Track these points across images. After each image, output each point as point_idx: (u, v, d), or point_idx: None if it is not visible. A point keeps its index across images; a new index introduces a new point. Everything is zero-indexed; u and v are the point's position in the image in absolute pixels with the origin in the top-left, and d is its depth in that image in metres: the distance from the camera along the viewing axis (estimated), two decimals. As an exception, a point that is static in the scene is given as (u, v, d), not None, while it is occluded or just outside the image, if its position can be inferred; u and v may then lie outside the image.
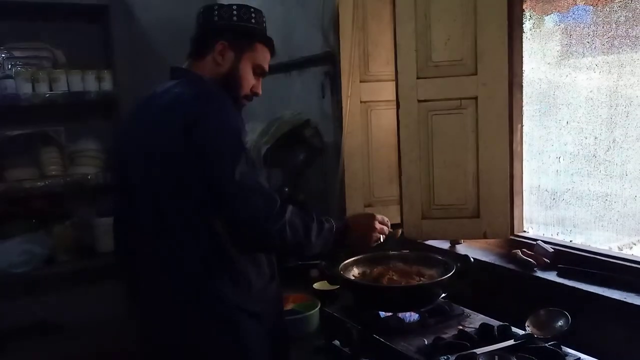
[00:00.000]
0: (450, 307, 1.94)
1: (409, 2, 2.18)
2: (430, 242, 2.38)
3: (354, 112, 2.54)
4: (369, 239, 1.79)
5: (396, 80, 2.24)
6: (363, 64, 2.53)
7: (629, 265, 1.78)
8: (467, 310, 1.94)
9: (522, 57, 2.16)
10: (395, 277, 1.93)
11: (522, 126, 2.19)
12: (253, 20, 1.75)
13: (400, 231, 1.99)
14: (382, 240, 1.82)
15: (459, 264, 1.89)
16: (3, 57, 3.06)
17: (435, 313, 1.90)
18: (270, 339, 1.70)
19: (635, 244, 1.93)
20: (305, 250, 1.62)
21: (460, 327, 1.81)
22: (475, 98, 2.15)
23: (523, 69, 2.17)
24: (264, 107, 3.23)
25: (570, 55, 2.07)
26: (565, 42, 2.09)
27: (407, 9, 2.18)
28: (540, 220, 2.22)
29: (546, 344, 1.61)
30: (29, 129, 3.08)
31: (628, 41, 1.87)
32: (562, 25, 2.10)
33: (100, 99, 3.14)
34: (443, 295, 1.93)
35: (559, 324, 1.68)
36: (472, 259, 1.95)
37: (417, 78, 2.21)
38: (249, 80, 1.76)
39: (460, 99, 2.17)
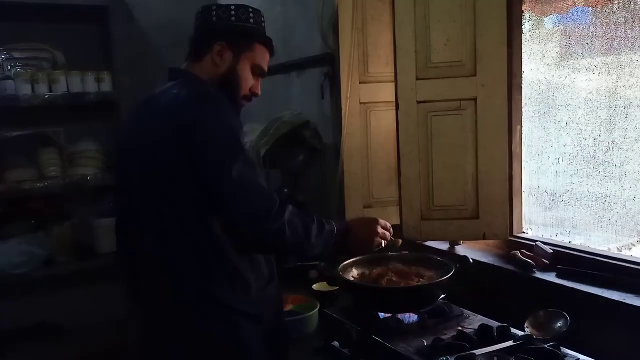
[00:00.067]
0: (450, 308, 1.94)
1: (409, 3, 2.18)
2: (429, 243, 2.38)
3: (354, 113, 2.54)
4: (371, 243, 1.77)
5: (396, 81, 2.24)
6: (362, 65, 2.53)
7: (628, 267, 1.78)
8: (466, 312, 1.94)
9: (521, 58, 2.16)
10: (394, 279, 1.93)
11: (521, 127, 2.19)
12: (252, 21, 1.74)
13: (400, 241, 1.97)
14: (383, 245, 1.81)
15: (458, 265, 1.89)
16: (3, 58, 3.06)
17: (434, 314, 1.90)
18: (269, 341, 1.69)
19: (634, 245, 1.93)
20: (305, 251, 1.61)
21: (460, 328, 1.81)
22: (475, 99, 2.15)
23: (522, 70, 2.17)
24: (263, 108, 3.23)
25: (570, 57, 2.07)
26: (565, 44, 2.09)
27: (407, 10, 2.18)
28: (540, 221, 2.22)
29: (545, 345, 1.61)
30: (28, 130, 3.09)
31: (627, 42, 1.87)
32: (562, 27, 2.10)
33: (100, 100, 3.14)
34: (442, 296, 1.92)
35: (558, 325, 1.68)
36: (471, 260, 1.95)
37: (417, 79, 2.21)
38: (248, 80, 1.76)
39: (460, 100, 2.17)
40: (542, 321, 1.72)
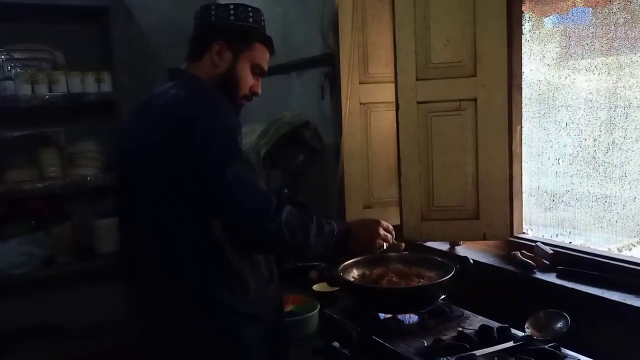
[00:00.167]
0: (450, 309, 1.94)
1: (409, 3, 2.18)
2: (429, 244, 2.39)
3: (354, 113, 2.54)
4: (372, 245, 1.75)
5: (395, 81, 2.24)
6: (362, 66, 2.53)
7: (629, 267, 1.78)
8: (466, 312, 1.94)
9: (521, 58, 2.16)
10: (394, 279, 1.93)
11: (521, 128, 2.19)
12: (251, 19, 1.73)
13: (403, 245, 1.97)
14: (385, 247, 1.79)
15: (458, 266, 1.89)
16: (3, 58, 3.06)
17: (434, 314, 1.90)
18: (269, 341, 1.69)
19: (634, 246, 1.94)
20: (304, 251, 1.59)
21: (460, 329, 1.81)
22: (475, 99, 2.15)
23: (522, 70, 2.17)
24: (263, 108, 3.23)
25: (570, 57, 2.07)
26: (565, 44, 2.09)
27: (407, 10, 2.18)
28: (540, 221, 2.22)
29: (545, 346, 1.61)
30: (28, 131, 3.09)
31: (627, 43, 1.87)
32: (561, 27, 2.10)
33: (100, 100, 3.14)
34: (442, 296, 1.92)
35: (559, 325, 1.68)
36: (471, 261, 1.95)
37: (417, 79, 2.21)
38: (247, 80, 1.75)
39: (460, 100, 2.17)
40: (542, 321, 1.72)
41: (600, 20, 1.94)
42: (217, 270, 1.59)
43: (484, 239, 2.21)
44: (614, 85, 1.91)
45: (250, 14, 1.74)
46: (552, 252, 2.00)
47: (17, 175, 3.02)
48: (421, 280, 1.93)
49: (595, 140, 1.98)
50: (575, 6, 2.02)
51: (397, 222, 2.26)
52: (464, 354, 1.57)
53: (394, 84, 2.26)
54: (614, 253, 1.92)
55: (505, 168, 2.15)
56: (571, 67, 2.07)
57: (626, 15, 1.86)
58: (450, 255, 2.25)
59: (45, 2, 2.99)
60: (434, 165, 2.22)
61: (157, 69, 2.02)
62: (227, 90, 1.70)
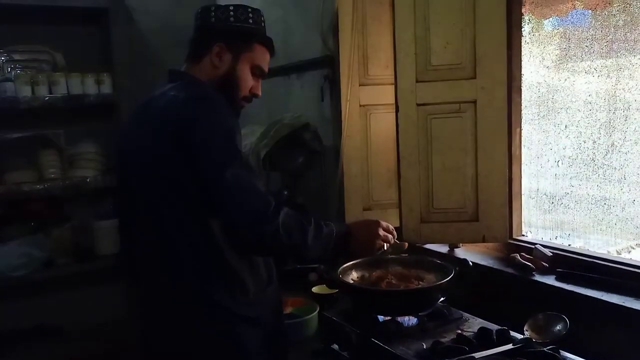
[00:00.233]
0: (449, 311, 1.93)
1: (409, 6, 2.18)
2: (429, 246, 2.39)
3: (353, 115, 2.54)
4: (372, 246, 1.74)
5: (395, 83, 2.24)
6: (362, 68, 2.53)
7: (628, 270, 1.78)
8: (465, 314, 1.94)
9: (521, 60, 2.16)
10: (394, 281, 1.93)
11: (520, 130, 2.19)
12: (251, 21, 1.73)
13: (407, 244, 1.96)
14: (385, 248, 1.78)
15: (457, 268, 1.89)
16: (2, 60, 3.06)
17: (434, 317, 1.89)
18: (268, 344, 1.69)
19: (633, 248, 1.94)
20: (302, 253, 1.58)
21: (459, 331, 1.80)
22: (474, 102, 2.15)
23: (522, 72, 2.17)
24: (263, 110, 3.24)
25: (569, 59, 2.07)
26: (564, 46, 2.09)
27: (407, 13, 2.18)
28: (539, 224, 2.22)
29: (544, 348, 1.61)
30: (28, 132, 3.09)
31: (626, 45, 1.87)
32: (561, 29, 2.11)
33: (100, 102, 3.13)
34: (442, 299, 1.93)
35: (558, 328, 1.68)
36: (470, 263, 1.95)
37: (416, 82, 2.21)
38: (247, 81, 1.75)
39: (459, 102, 2.17)
40: (541, 324, 1.72)
41: (599, 23, 1.94)
42: (216, 273, 1.59)
43: (483, 241, 2.21)
44: (613, 87, 1.92)
45: (250, 15, 1.73)
46: (551, 254, 2.00)
47: (16, 177, 3.02)
48: (420, 282, 1.93)
49: (594, 142, 1.98)
50: (574, 8, 2.02)
51: (397, 224, 2.25)
52: (463, 357, 1.57)
53: (393, 86, 2.26)
54: (613, 255, 1.92)
55: (505, 170, 2.15)
56: (571, 70, 2.07)
57: (626, 18, 1.86)
58: (450, 257, 2.25)
59: (46, 4, 2.98)
60: (434, 168, 2.22)
61: (157, 71, 2.02)
62: (227, 91, 1.70)
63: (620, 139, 1.91)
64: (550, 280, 1.91)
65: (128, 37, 3.23)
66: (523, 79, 2.18)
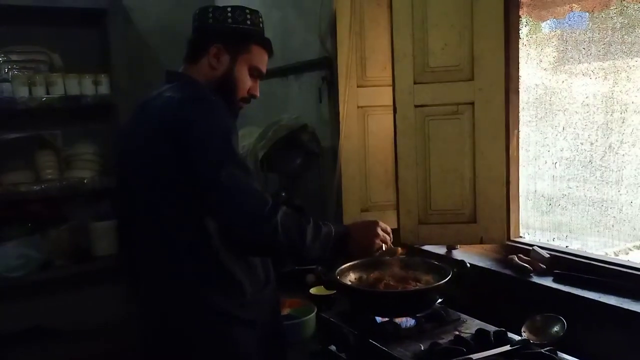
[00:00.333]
0: (447, 313, 1.94)
1: (406, 8, 2.18)
2: (426, 247, 2.39)
3: (351, 116, 2.54)
4: (371, 246, 1.72)
5: (393, 85, 2.25)
6: (360, 69, 2.53)
7: (625, 271, 1.78)
8: (463, 316, 1.94)
9: (518, 62, 2.17)
10: (391, 283, 1.93)
11: (518, 131, 2.19)
12: (249, 22, 1.73)
13: (400, 250, 1.95)
14: (384, 248, 1.76)
15: (455, 269, 1.89)
16: (0, 60, 3.05)
17: (431, 318, 1.90)
18: (266, 345, 1.69)
19: (631, 250, 1.94)
20: (300, 253, 1.57)
21: (457, 333, 1.81)
22: (472, 103, 2.15)
23: (519, 74, 2.18)
24: (261, 112, 3.24)
25: (567, 61, 2.08)
26: (562, 48, 2.10)
27: (405, 15, 2.19)
28: (537, 225, 2.23)
29: (542, 350, 1.61)
30: (25, 133, 3.08)
31: (624, 47, 1.88)
32: (559, 32, 2.11)
33: (97, 102, 3.13)
34: (439, 300, 1.93)
35: (555, 329, 1.68)
36: (468, 264, 1.95)
37: (414, 83, 2.21)
38: (245, 82, 1.75)
39: (457, 104, 2.17)
40: (538, 325, 1.72)
41: (597, 25, 1.94)
42: (213, 274, 1.59)
43: (481, 242, 2.22)
44: (610, 89, 1.92)
45: (248, 16, 1.73)
46: (548, 256, 2.01)
47: (13, 178, 3.02)
48: (418, 283, 1.93)
49: (592, 144, 1.99)
50: (572, 11, 2.03)
51: (395, 226, 2.26)
52: (460, 358, 1.57)
53: (391, 88, 2.27)
54: (611, 257, 1.92)
55: (503, 172, 2.15)
56: (568, 72, 2.08)
57: (623, 20, 1.87)
58: (447, 258, 2.26)
59: (43, 5, 2.98)
60: (432, 169, 2.23)
61: (155, 72, 2.02)
62: (224, 93, 1.70)
63: (617, 140, 1.91)
64: (547, 281, 1.91)
65: (126, 38, 3.23)
66: (520, 80, 2.18)
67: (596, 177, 1.98)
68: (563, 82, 2.08)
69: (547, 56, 2.14)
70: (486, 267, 2.12)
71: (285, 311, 2.15)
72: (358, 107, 2.55)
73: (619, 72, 1.89)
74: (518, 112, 2.19)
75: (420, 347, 1.72)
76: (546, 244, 2.13)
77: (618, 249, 1.95)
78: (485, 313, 1.93)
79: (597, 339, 1.70)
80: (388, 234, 1.77)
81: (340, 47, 2.50)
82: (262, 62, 1.78)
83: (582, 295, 1.77)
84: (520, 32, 2.16)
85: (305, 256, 1.59)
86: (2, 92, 2.92)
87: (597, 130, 1.97)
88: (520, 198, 2.23)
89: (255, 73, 1.77)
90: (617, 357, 1.68)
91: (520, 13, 2.15)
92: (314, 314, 2.12)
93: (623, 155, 1.90)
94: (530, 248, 2.08)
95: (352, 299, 1.99)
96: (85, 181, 3.14)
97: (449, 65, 2.17)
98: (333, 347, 1.94)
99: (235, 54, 1.71)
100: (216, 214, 1.52)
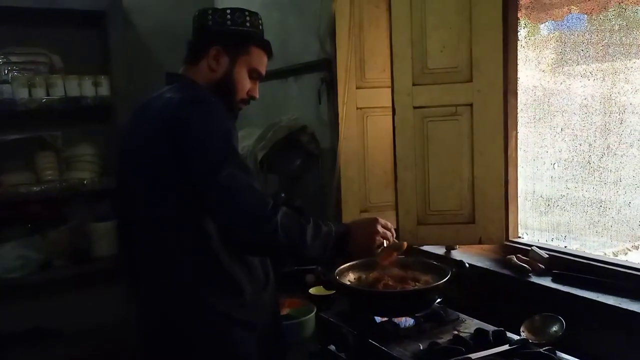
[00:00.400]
0: (446, 312, 1.94)
1: (405, 10, 2.19)
2: (425, 248, 2.39)
3: (350, 118, 2.55)
4: (372, 243, 1.70)
5: (392, 86, 2.25)
6: (359, 71, 2.54)
7: (624, 271, 1.79)
8: (462, 316, 1.95)
9: (517, 64, 2.17)
10: (390, 283, 1.93)
11: (517, 133, 2.20)
12: (248, 24, 1.73)
13: (405, 244, 1.94)
14: (385, 245, 1.75)
15: (454, 270, 1.89)
16: (0, 62, 3.06)
17: (430, 318, 1.90)
18: (265, 346, 1.69)
19: (629, 250, 1.94)
20: (301, 253, 1.56)
21: (456, 332, 1.81)
22: (471, 105, 2.16)
23: (518, 76, 2.18)
24: (260, 113, 3.25)
25: (565, 63, 2.09)
26: (560, 50, 2.10)
27: (403, 17, 2.19)
28: (535, 226, 2.23)
29: (541, 349, 1.61)
30: (25, 134, 3.08)
31: (622, 49, 1.88)
32: (557, 33, 2.12)
33: (97, 104, 3.13)
34: (438, 300, 1.93)
35: (554, 329, 1.69)
36: (467, 265, 1.96)
37: (413, 85, 2.22)
38: (244, 84, 1.75)
39: (456, 105, 2.18)
40: (537, 325, 1.73)
41: (595, 27, 1.95)
42: (212, 276, 1.59)
43: (480, 243, 2.22)
44: (609, 91, 1.93)
45: (248, 18, 1.73)
46: (547, 256, 2.01)
47: (13, 179, 3.02)
48: (417, 283, 1.94)
49: (590, 145, 1.99)
50: (570, 13, 2.04)
51: (394, 226, 2.27)
52: (459, 357, 1.58)
53: (390, 89, 2.27)
54: (609, 257, 1.93)
55: (501, 173, 2.16)
56: (566, 73, 2.08)
57: (621, 22, 1.87)
58: (446, 259, 2.26)
59: (43, 6, 2.99)
60: (430, 170, 2.23)
61: (155, 73, 2.02)
62: (224, 94, 1.70)
63: (615, 141, 1.92)
64: (546, 281, 1.91)
65: (126, 39, 3.24)
66: (519, 82, 2.19)
67: (594, 178, 1.99)
68: (561, 83, 2.09)
69: (545, 58, 2.15)
70: (485, 267, 2.13)
71: (285, 311, 2.16)
72: (357, 108, 2.56)
73: (617, 73, 1.90)
74: (516, 114, 2.20)
75: (420, 346, 1.73)
76: (545, 244, 2.14)
77: (616, 249, 1.95)
78: (484, 313, 1.94)
79: (596, 339, 1.71)
80: (389, 229, 1.76)
81: (339, 49, 2.51)
82: (262, 64, 1.79)
83: (581, 295, 1.77)
84: (518, 34, 2.17)
85: (306, 256, 1.58)
86: (2, 93, 2.93)
87: (595, 131, 1.98)
88: (518, 199, 2.24)
89: (254, 75, 1.77)
90: (615, 356, 1.68)
91: (519, 15, 2.16)
92: (313, 314, 2.12)
93: (621, 156, 1.90)
94: (529, 248, 2.09)
95: (351, 299, 1.99)
96: (85, 182, 3.14)
97: (448, 67, 2.18)
98: (332, 347, 1.94)
99: (234, 55, 1.72)
100: (216, 215, 1.52)
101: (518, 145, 2.21)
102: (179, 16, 3.00)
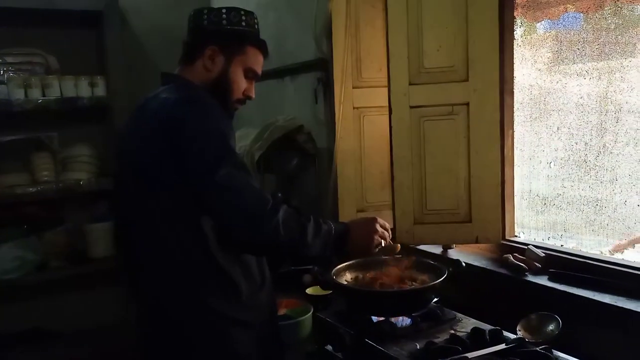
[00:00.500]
0: (442, 312, 1.94)
1: (401, 9, 2.19)
2: (422, 247, 2.39)
3: (347, 117, 2.55)
4: (370, 242, 1.71)
5: (388, 86, 2.25)
6: (356, 70, 2.54)
7: (620, 270, 1.79)
8: (459, 315, 1.95)
9: (513, 63, 2.18)
10: (387, 282, 1.93)
11: (513, 132, 2.20)
12: (243, 23, 1.73)
13: (399, 246, 1.94)
14: (383, 245, 1.76)
15: (451, 269, 1.90)
16: (-4, 63, 3.06)
17: (427, 317, 1.90)
18: (262, 346, 1.69)
19: (626, 248, 1.95)
20: (301, 251, 1.56)
21: (452, 332, 1.81)
22: (467, 104, 2.16)
23: (514, 75, 2.18)
24: (257, 113, 3.25)
25: (561, 62, 2.09)
26: (556, 49, 2.10)
27: (399, 16, 2.19)
28: (532, 225, 2.23)
29: (537, 348, 1.62)
30: (21, 135, 3.08)
31: (618, 48, 1.89)
32: (553, 32, 2.12)
33: (93, 104, 3.13)
34: (435, 299, 1.94)
35: (550, 328, 1.69)
36: (464, 264, 1.96)
37: (409, 84, 2.22)
38: (240, 84, 1.75)
39: (452, 104, 2.18)
40: (534, 324, 1.73)
41: (591, 26, 1.95)
42: (209, 276, 1.59)
43: (477, 242, 2.22)
44: (605, 89, 1.93)
45: (243, 17, 1.73)
46: (543, 255, 2.01)
47: (10, 180, 3.01)
48: (414, 283, 1.94)
49: (586, 144, 2.00)
50: (566, 12, 2.04)
51: (391, 226, 2.27)
52: (456, 357, 1.58)
53: (387, 89, 2.27)
54: (606, 256, 1.93)
55: (498, 172, 2.16)
56: (563, 72, 2.08)
57: (617, 21, 1.87)
58: (443, 258, 2.26)
59: (39, 7, 2.98)
60: (427, 169, 2.23)
61: (151, 74, 2.02)
62: (220, 94, 1.70)
63: (611, 140, 1.92)
64: (543, 280, 1.92)
65: (122, 40, 3.23)
66: (515, 81, 2.19)
67: (591, 177, 1.99)
68: (557, 82, 2.09)
69: (541, 57, 2.15)
70: (482, 266, 2.13)
71: (282, 311, 2.16)
72: (354, 108, 2.56)
73: (613, 72, 1.90)
74: (513, 113, 2.20)
75: (416, 346, 1.73)
76: (541, 243, 2.14)
77: (613, 248, 1.96)
78: (480, 312, 1.94)
79: (592, 337, 1.71)
80: (387, 230, 1.77)
81: (335, 49, 2.51)
82: (257, 63, 1.78)
83: (577, 293, 1.77)
84: (514, 33, 2.17)
85: (306, 254, 1.58)
86: (-3, 94, 2.92)
87: (591, 130, 1.98)
88: (515, 198, 2.24)
89: (250, 74, 1.77)
90: (612, 355, 1.68)
91: (515, 14, 2.16)
92: (310, 314, 2.12)
93: (617, 154, 1.91)
94: (526, 247, 2.09)
95: (348, 298, 2.00)
96: (82, 183, 3.13)
97: (444, 66, 2.18)
98: (329, 347, 1.95)
99: (230, 55, 1.71)
100: (216, 215, 1.51)
101: (514, 144, 2.21)
102: (176, 16, 2.99)
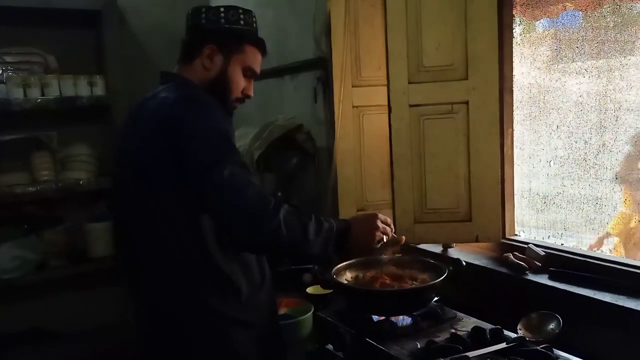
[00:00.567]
0: (443, 311, 1.94)
1: (400, 8, 2.19)
2: (422, 246, 2.39)
3: (346, 116, 2.54)
4: (372, 238, 1.69)
5: (388, 85, 2.25)
6: (355, 69, 2.54)
7: (620, 268, 1.79)
8: (459, 314, 1.95)
9: (512, 62, 2.18)
10: (388, 281, 1.93)
11: (512, 130, 2.20)
12: (242, 22, 1.72)
13: (404, 238, 1.92)
14: (385, 240, 1.73)
15: (451, 268, 1.89)
16: (-6, 62, 3.05)
17: (427, 316, 1.90)
18: (263, 346, 1.69)
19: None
20: (303, 250, 1.55)
21: (453, 331, 1.81)
22: (466, 102, 2.16)
23: (513, 73, 2.18)
24: (256, 112, 3.24)
25: (560, 60, 2.09)
26: (555, 47, 2.10)
27: (399, 15, 2.19)
28: (532, 223, 2.23)
29: (538, 347, 1.62)
30: (20, 134, 3.07)
31: (617, 46, 1.89)
32: (552, 31, 2.12)
33: (92, 103, 3.12)
34: (435, 298, 1.94)
35: (551, 326, 1.69)
36: (464, 263, 1.96)
37: (409, 83, 2.22)
38: (239, 83, 1.74)
39: (452, 103, 2.18)
40: (534, 323, 1.73)
41: (590, 24, 1.95)
42: (208, 276, 1.58)
43: (477, 241, 2.22)
44: (604, 88, 1.93)
45: (241, 16, 1.72)
46: (544, 253, 2.01)
47: (9, 179, 3.01)
48: (414, 282, 1.94)
49: (586, 142, 2.00)
50: (565, 10, 2.04)
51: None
52: (457, 356, 1.58)
53: (386, 87, 2.27)
54: (606, 255, 1.93)
55: (497, 170, 2.16)
56: (562, 70, 2.09)
57: (616, 19, 1.87)
58: (443, 257, 2.26)
59: (38, 6, 2.97)
60: (427, 168, 2.23)
61: (150, 73, 2.01)
62: (218, 93, 1.70)
63: (611, 139, 1.92)
64: (543, 279, 1.92)
65: (121, 39, 3.22)
66: (514, 80, 2.19)
67: (590, 175, 1.99)
68: (557, 80, 2.09)
69: (540, 55, 2.15)
70: (482, 265, 2.13)
71: (282, 311, 2.16)
72: (353, 106, 2.55)
73: (612, 70, 1.90)
74: (512, 111, 2.20)
75: (417, 345, 1.73)
76: (541, 241, 2.14)
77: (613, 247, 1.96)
78: (481, 311, 1.94)
79: (593, 336, 1.71)
80: (388, 225, 1.75)
81: (335, 48, 2.51)
82: (256, 62, 1.78)
83: (578, 292, 1.77)
84: (514, 31, 2.17)
85: (308, 253, 1.57)
86: (-4, 93, 2.91)
87: (590, 128, 1.98)
88: (515, 196, 2.24)
89: (249, 73, 1.76)
90: (612, 353, 1.68)
91: (514, 12, 2.16)
92: (310, 313, 2.12)
93: (617, 153, 1.91)
94: (526, 246, 2.09)
95: (348, 298, 1.99)
96: (81, 182, 3.13)
97: (443, 64, 2.18)
98: (330, 346, 1.95)
99: (228, 54, 1.71)
100: (216, 214, 1.51)
101: (514, 142, 2.21)
102: (174, 15, 3.00)
